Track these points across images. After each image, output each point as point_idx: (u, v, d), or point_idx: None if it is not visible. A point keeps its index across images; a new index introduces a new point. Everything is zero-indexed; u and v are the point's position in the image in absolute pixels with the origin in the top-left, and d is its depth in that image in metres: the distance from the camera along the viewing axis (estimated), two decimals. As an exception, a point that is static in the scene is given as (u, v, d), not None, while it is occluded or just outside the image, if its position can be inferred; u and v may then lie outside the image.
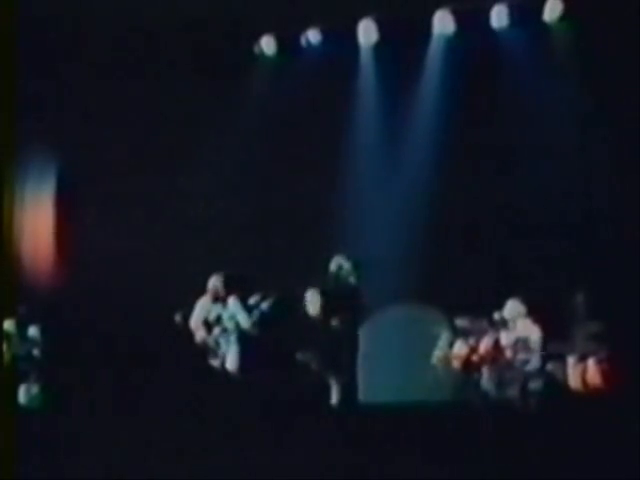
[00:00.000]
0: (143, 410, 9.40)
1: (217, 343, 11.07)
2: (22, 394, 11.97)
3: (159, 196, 13.47)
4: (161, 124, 13.32)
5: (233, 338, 10.99)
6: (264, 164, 13.27)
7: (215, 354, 11.07)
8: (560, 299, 10.88)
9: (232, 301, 11.03)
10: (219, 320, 11.09)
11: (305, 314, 10.67)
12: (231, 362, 10.93)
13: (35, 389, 12.04)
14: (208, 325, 11.13)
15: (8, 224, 13.46)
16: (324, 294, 10.64)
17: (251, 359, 10.92)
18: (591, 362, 10.53)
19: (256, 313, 10.97)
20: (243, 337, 10.97)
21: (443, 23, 13.01)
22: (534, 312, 10.88)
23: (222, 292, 11.09)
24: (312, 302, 10.64)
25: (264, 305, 10.99)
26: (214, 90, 13.26)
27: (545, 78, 12.53)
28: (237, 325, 10.99)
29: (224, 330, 11.06)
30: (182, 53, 13.08)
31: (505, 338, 10.94)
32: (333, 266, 10.89)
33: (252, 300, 11.05)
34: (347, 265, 10.87)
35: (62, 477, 7.99)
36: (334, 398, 10.67)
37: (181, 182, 13.45)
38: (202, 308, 11.16)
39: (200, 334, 11.13)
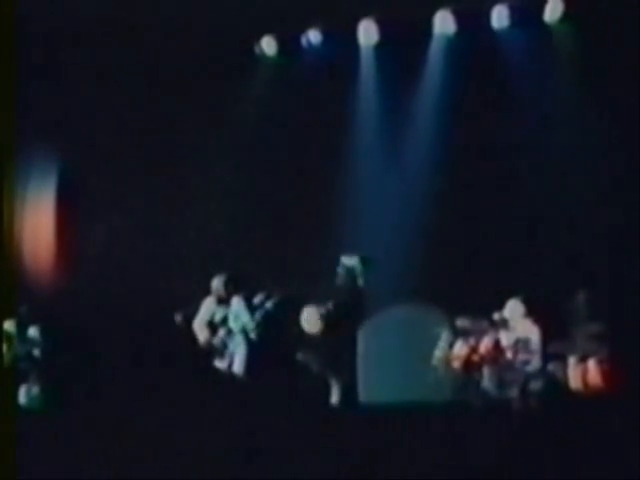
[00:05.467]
0: (144, 411, 9.40)
1: (224, 344, 11.07)
2: (22, 395, 11.97)
3: (159, 196, 13.49)
4: (162, 124, 13.33)
5: (239, 339, 10.99)
6: (265, 164, 13.28)
7: (222, 355, 11.07)
8: (560, 299, 10.88)
9: (236, 301, 11.04)
10: (225, 321, 11.09)
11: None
12: (239, 362, 10.93)
13: (35, 390, 12.04)
14: (213, 326, 11.13)
15: (8, 224, 13.46)
16: (324, 315, 10.66)
17: (257, 358, 10.92)
18: (592, 362, 10.53)
19: (260, 313, 10.98)
20: (248, 338, 10.97)
21: (444, 23, 13.01)
22: (534, 312, 10.88)
23: (225, 293, 11.11)
24: (310, 321, 10.68)
25: (268, 304, 11.00)
26: (215, 90, 13.27)
27: (546, 79, 12.54)
28: (242, 325, 11.00)
29: (229, 331, 11.06)
30: (183, 53, 13.08)
31: (505, 338, 10.94)
32: (346, 265, 10.90)
33: (256, 299, 11.06)
34: (356, 264, 10.89)
35: (62, 478, 7.99)
36: (334, 398, 10.68)
37: (182, 182, 13.47)
38: (206, 309, 11.17)
39: (204, 335, 11.13)
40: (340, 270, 10.95)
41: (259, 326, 10.94)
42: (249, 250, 12.80)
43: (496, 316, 11.01)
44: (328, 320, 10.67)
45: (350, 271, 10.91)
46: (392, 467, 7.40)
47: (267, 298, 11.01)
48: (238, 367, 10.94)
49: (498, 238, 12.21)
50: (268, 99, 13.45)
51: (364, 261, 10.91)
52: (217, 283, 11.17)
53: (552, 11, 12.53)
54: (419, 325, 11.83)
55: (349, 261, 10.95)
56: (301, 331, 10.80)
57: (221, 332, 11.10)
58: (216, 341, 11.11)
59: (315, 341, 10.76)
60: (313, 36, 13.45)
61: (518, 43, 12.69)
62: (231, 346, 11.03)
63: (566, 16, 12.46)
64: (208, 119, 13.30)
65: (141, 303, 12.55)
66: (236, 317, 11.04)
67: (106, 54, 13.18)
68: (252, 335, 10.95)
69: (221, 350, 11.08)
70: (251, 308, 11.00)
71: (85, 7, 12.54)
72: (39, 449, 8.14)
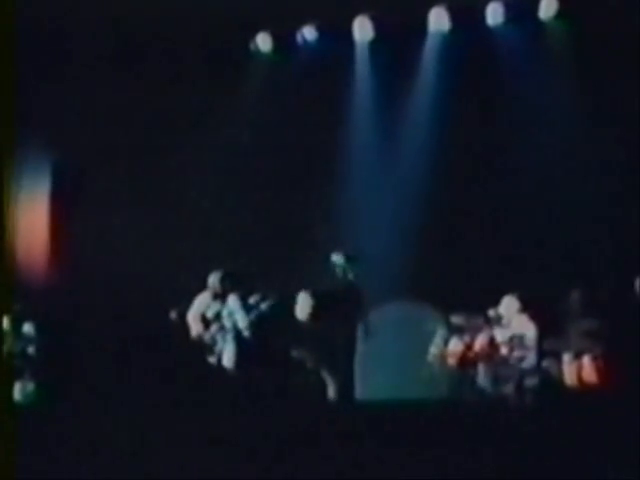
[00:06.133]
0: (139, 407, 9.39)
1: (214, 340, 11.08)
2: (17, 391, 11.96)
3: (156, 194, 13.48)
4: (159, 122, 13.32)
5: (230, 336, 10.99)
6: (260, 161, 13.27)
7: (212, 351, 11.08)
8: (555, 296, 10.89)
9: (232, 299, 11.04)
10: (217, 317, 11.09)
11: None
12: (228, 359, 10.94)
13: (30, 386, 12.03)
14: (206, 321, 11.13)
15: (4, 221, 13.44)
16: (316, 297, 10.65)
17: (247, 357, 10.92)
18: (586, 359, 10.55)
19: (254, 313, 10.98)
20: (240, 335, 10.97)
21: (438, 20, 13.02)
22: (529, 309, 10.89)
23: (221, 289, 11.11)
24: (302, 306, 10.68)
25: (263, 305, 11.00)
26: (210, 87, 13.26)
27: (540, 76, 12.55)
28: (235, 323, 11.00)
29: (221, 327, 11.06)
30: (178, 51, 13.08)
31: (500, 335, 10.96)
32: (330, 263, 10.92)
33: (252, 300, 11.06)
34: (342, 261, 10.91)
35: (58, 475, 7.97)
36: (330, 395, 10.68)
37: (178, 180, 13.47)
38: (200, 303, 11.17)
39: (196, 328, 11.13)
40: (331, 267, 10.96)
41: (252, 326, 10.94)
42: (246, 248, 12.80)
43: (491, 313, 11.03)
44: (319, 308, 10.67)
45: (339, 268, 10.93)
46: (388, 464, 7.40)
47: (262, 299, 11.02)
48: (227, 363, 10.94)
49: (493, 235, 12.22)
50: (263, 96, 13.45)
51: (349, 258, 10.91)
52: (214, 279, 11.17)
53: (547, 8, 12.55)
54: (414, 322, 11.85)
55: (336, 258, 10.97)
56: (297, 323, 10.82)
57: (213, 328, 11.10)
58: (207, 336, 11.11)
59: (310, 337, 10.75)
60: (308, 33, 13.46)
61: (513, 40, 12.70)
62: (220, 343, 11.02)
63: (561, 13, 12.48)
64: (203, 116, 13.29)
65: (136, 300, 12.55)
66: (230, 314, 11.04)
67: (103, 53, 13.17)
68: (245, 334, 10.95)
69: (211, 346, 11.08)
70: (246, 308, 11.01)
71: (84, 7, 12.53)
72: (34, 446, 8.12)
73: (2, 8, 11.75)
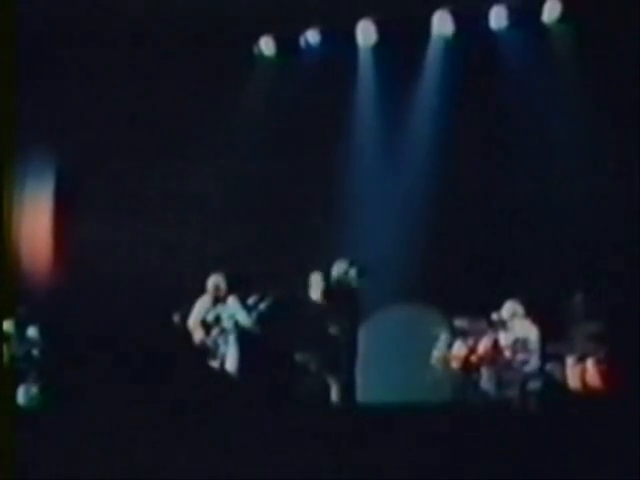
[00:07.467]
0: (143, 411, 9.39)
1: (216, 344, 11.08)
2: (21, 395, 11.97)
3: (158, 196, 13.50)
4: (160, 124, 13.33)
5: (232, 338, 10.99)
6: (263, 165, 13.28)
7: (214, 355, 11.08)
8: (559, 299, 10.89)
9: (232, 300, 11.04)
10: (218, 320, 11.09)
11: (304, 313, 10.70)
12: (230, 362, 10.94)
13: (34, 390, 12.03)
14: (206, 326, 11.13)
15: (7, 224, 13.46)
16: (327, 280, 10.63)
17: (250, 359, 10.92)
18: (590, 362, 10.55)
19: (255, 313, 10.99)
20: (242, 337, 10.98)
21: (442, 24, 13.02)
22: (533, 312, 10.89)
23: (221, 292, 11.11)
24: (315, 286, 10.62)
25: (262, 305, 11.00)
26: (213, 91, 13.28)
27: (544, 79, 12.55)
28: (236, 325, 11.00)
29: (222, 331, 11.06)
30: (181, 54, 13.09)
31: (504, 338, 10.96)
32: (337, 270, 10.83)
33: (251, 300, 11.06)
34: (352, 272, 10.83)
35: (61, 478, 7.97)
36: (333, 398, 10.68)
37: (180, 182, 13.48)
38: (200, 308, 11.17)
39: (198, 334, 11.13)
40: (334, 274, 10.90)
41: (254, 325, 10.94)
42: (246, 250, 12.81)
43: (494, 316, 11.03)
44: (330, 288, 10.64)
45: (343, 276, 10.86)
46: (390, 467, 7.40)
47: (261, 299, 11.02)
48: (230, 366, 10.94)
49: (496, 238, 12.22)
50: (266, 99, 13.45)
51: (352, 264, 10.85)
52: (213, 282, 11.18)
53: (550, 11, 12.54)
54: (418, 325, 11.85)
55: (341, 265, 10.89)
56: (299, 325, 10.82)
57: (214, 332, 11.10)
58: (209, 341, 11.11)
59: (313, 340, 10.74)
60: (311, 36, 13.46)
61: (516, 44, 12.70)
62: (223, 346, 11.03)
63: (564, 16, 12.46)
64: (207, 119, 13.31)
65: (139, 303, 12.56)
66: (230, 316, 11.04)
67: (105, 54, 13.19)
68: (252, 332, 10.95)
69: (214, 350, 11.08)
70: (246, 309, 11.01)
71: (85, 7, 12.55)
72: (37, 449, 8.12)
73: (2, 8, 11.77)
